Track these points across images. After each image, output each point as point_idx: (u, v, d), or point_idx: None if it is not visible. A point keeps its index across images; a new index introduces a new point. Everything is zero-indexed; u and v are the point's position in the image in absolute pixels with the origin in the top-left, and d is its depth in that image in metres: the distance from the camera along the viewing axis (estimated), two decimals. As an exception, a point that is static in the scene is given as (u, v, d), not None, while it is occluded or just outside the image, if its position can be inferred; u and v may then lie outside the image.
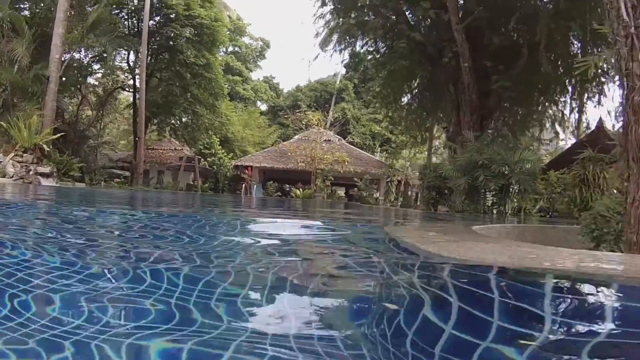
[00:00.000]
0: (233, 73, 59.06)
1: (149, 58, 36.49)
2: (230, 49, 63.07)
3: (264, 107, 67.39)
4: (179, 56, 36.86)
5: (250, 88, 63.42)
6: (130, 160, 35.57)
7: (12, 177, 20.15)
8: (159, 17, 37.69)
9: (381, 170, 39.88)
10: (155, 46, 38.01)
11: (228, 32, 46.20)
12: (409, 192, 42.62)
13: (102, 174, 30.04)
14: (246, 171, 40.44)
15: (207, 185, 42.63)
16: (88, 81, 36.24)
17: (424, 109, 32.25)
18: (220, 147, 46.37)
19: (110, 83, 38.44)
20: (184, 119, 42.07)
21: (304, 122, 42.83)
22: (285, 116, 54.46)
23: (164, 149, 44.42)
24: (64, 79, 26.73)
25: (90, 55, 34.70)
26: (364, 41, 30.84)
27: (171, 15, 36.39)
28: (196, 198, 19.47)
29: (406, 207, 31.20)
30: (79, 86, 32.89)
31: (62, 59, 25.09)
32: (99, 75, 38.44)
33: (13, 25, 24.05)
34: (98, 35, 27.18)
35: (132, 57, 38.59)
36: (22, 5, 28.98)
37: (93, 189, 23.17)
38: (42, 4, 28.48)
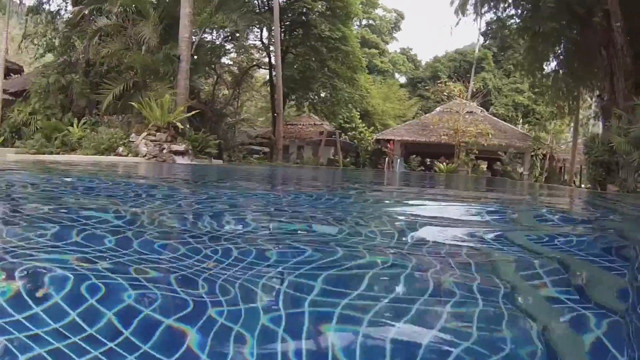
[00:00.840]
0: (369, 46, 55.96)
1: (283, 34, 34.48)
2: (364, 22, 59.86)
3: (402, 79, 63.97)
4: (313, 31, 34.57)
5: (388, 60, 60.22)
6: (269, 137, 33.87)
7: (145, 155, 18.93)
8: (288, -6, 35.72)
9: (525, 144, 36.40)
10: (288, 22, 35.99)
11: (360, 5, 43.52)
12: (555, 167, 39.11)
13: (241, 150, 28.52)
14: (388, 145, 37.63)
15: (348, 160, 40.33)
16: (222, 61, 34.82)
17: (571, 76, 28.45)
18: (361, 120, 43.56)
19: (245, 62, 36.97)
20: (322, 94, 39.94)
21: (445, 94, 40.06)
22: (426, 88, 51.75)
23: (303, 124, 42.12)
24: (195, 57, 25.15)
25: (222, 36, 33.20)
26: (506, 3, 27.90)
27: (301, -9, 34.32)
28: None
29: (553, 183, 28.21)
30: (213, 66, 31.34)
31: (192, 40, 23.66)
32: (234, 55, 37.18)
33: (138, 9, 22.77)
34: (227, 12, 25.51)
35: (265, 34, 37.02)
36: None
37: (232, 166, 21.71)
38: None
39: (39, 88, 23.07)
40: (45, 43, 27.44)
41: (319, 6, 34.40)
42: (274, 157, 29.78)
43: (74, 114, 22.25)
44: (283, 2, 34.40)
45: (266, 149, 32.62)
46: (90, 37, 22.19)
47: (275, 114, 32.39)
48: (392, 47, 65.27)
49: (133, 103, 20.01)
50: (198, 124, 23.70)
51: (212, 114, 27.55)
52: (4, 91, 26.53)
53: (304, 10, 34.92)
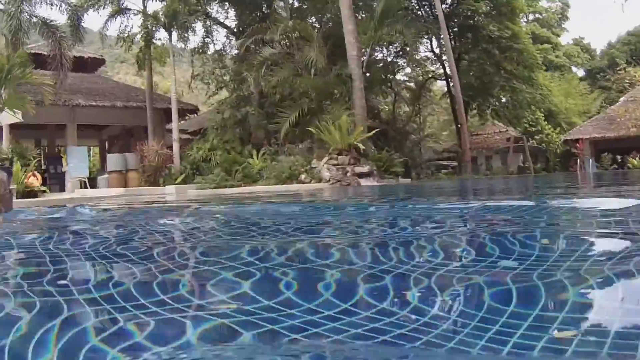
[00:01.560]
0: (541, 41, 50.40)
1: (453, 41, 31.58)
2: (531, 17, 54.63)
3: (580, 72, 58.18)
4: (482, 33, 31.22)
5: (562, 54, 54.70)
6: (455, 150, 31.17)
7: (329, 181, 17.52)
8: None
9: None
10: (456, 29, 32.91)
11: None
12: None
13: (429, 166, 26.58)
14: (577, 145, 34.50)
15: (538, 165, 36.51)
16: (398, 78, 32.48)
17: None
18: (546, 122, 39.19)
19: (420, 76, 34.46)
20: (502, 99, 36.27)
21: (627, 81, 37.56)
22: (606, 78, 46.90)
23: (488, 133, 38.55)
24: (367, 75, 23.27)
25: (393, 53, 31.27)
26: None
27: (461, -6, 31.41)
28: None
29: None
30: (389, 84, 29.22)
31: (362, 58, 21.94)
32: (408, 70, 34.98)
33: (301, 35, 22.01)
34: (391, 24, 23.66)
35: (435, 44, 34.39)
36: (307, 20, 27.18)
37: (421, 183, 20.39)
38: (327, 14, 26.40)
39: (215, 124, 23.02)
40: (215, 80, 27.36)
41: (483, 7, 31.08)
42: (463, 170, 26.98)
43: (254, 146, 21.63)
44: (446, 8, 31.70)
45: (454, 163, 29.98)
46: (257, 68, 21.64)
47: (458, 126, 29.64)
48: (564, 39, 59.59)
49: (310, 128, 18.82)
50: (382, 144, 21.99)
51: (394, 132, 25.77)
52: (184, 131, 27.06)
53: (469, 13, 31.87)
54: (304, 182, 17.87)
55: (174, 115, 23.64)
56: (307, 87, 20.83)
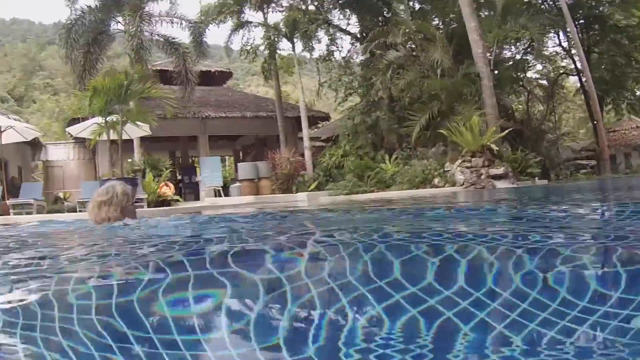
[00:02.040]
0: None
1: (580, 34, 29.40)
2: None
3: None
4: (609, 22, 29.31)
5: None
6: (593, 148, 29.23)
7: (463, 184, 16.78)
8: (574, -9, 30.83)
9: None
10: (582, 20, 30.69)
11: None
12: None
13: (567, 167, 25.16)
14: None
15: None
16: (529, 76, 31.10)
17: None
18: (685, 114, 35.83)
19: (551, 72, 32.77)
20: (637, 91, 33.76)
21: None
22: None
23: (625, 129, 35.67)
24: (496, 72, 22.35)
25: (521, 50, 30.04)
26: None
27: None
28: None
29: None
30: (520, 82, 28.17)
31: (488, 55, 21.01)
32: (539, 67, 33.33)
33: (424, 35, 21.33)
34: (514, 18, 22.74)
35: (562, 38, 32.27)
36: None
37: (560, 184, 19.34)
38: (449, 16, 25.61)
39: (347, 130, 22.99)
40: (343, 87, 27.14)
41: (607, -5, 29.15)
42: (602, 170, 25.21)
43: (386, 151, 21.23)
44: (568, 1, 29.85)
45: (593, 162, 28.29)
46: (384, 72, 21.05)
47: (594, 123, 27.84)
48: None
49: (442, 130, 18.08)
50: (518, 144, 20.97)
51: (530, 132, 24.49)
52: (317, 139, 27.49)
53: (593, 3, 30.03)
54: (437, 186, 17.24)
55: (304, 123, 23.80)
56: (436, 88, 20.10)
